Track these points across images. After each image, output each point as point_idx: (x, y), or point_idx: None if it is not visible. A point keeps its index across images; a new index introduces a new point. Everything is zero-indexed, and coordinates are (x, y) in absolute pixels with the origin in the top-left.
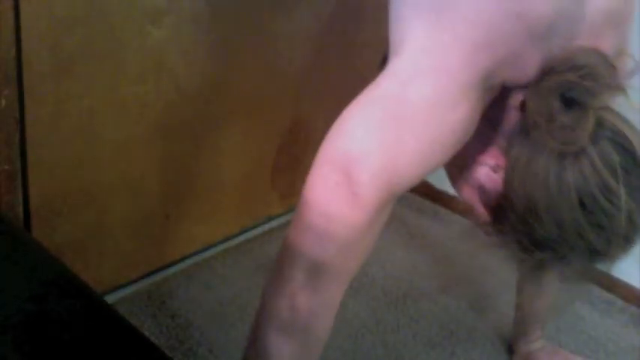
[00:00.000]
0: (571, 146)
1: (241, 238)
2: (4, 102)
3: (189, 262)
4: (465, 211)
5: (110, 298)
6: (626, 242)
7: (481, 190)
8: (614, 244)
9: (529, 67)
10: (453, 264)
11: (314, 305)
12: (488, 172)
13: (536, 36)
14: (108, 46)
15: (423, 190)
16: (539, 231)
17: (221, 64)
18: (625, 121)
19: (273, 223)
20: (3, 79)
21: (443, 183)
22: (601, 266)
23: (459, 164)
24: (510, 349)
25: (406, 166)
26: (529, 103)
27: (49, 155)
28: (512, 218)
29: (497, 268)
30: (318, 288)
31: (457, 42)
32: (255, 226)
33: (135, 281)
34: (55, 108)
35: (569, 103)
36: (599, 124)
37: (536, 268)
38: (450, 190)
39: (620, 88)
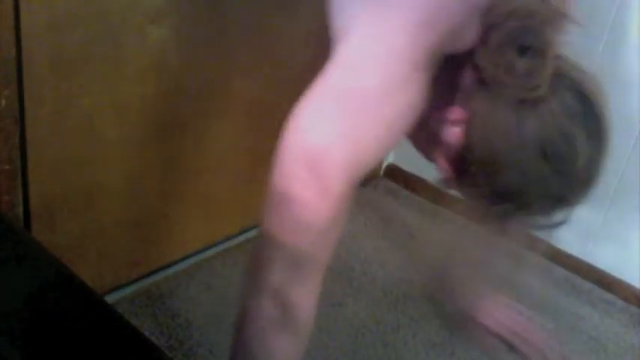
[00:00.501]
0: (531, 93)
1: (241, 238)
2: (4, 102)
3: (189, 262)
4: (466, 211)
5: (110, 298)
6: (587, 187)
7: (443, 145)
8: (576, 190)
9: (474, 35)
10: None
11: (299, 297)
12: (449, 126)
13: (479, 8)
14: (108, 46)
15: (423, 190)
16: (502, 181)
17: (221, 64)
18: (582, 70)
19: None
20: (3, 79)
21: None
22: (563, 213)
23: (420, 128)
24: (449, 299)
25: (367, 152)
26: (483, 60)
27: (49, 155)
28: (475, 171)
29: (497, 268)
30: (301, 279)
31: (402, 24)
32: (255, 226)
33: (135, 281)
34: (55, 108)
35: (524, 49)
36: (557, 74)
37: (502, 219)
38: (451, 190)
39: (564, 25)
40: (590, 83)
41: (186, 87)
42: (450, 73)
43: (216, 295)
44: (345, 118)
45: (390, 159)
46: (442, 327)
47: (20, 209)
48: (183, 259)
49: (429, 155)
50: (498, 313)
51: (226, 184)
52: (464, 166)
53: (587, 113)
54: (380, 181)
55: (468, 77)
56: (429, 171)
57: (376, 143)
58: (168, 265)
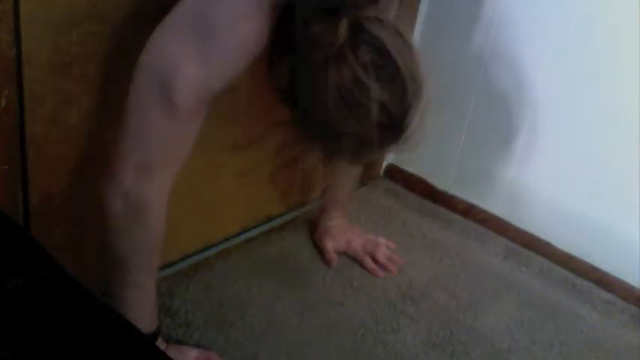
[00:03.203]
0: (327, 50)
1: (241, 238)
2: (4, 102)
3: (189, 262)
4: (466, 211)
5: None
6: (383, 129)
7: (280, 91)
8: (372, 131)
9: None
10: (453, 264)
11: (147, 197)
12: (282, 75)
13: None
14: (108, 46)
15: (423, 190)
16: (314, 121)
17: None
18: (389, 28)
19: (273, 223)
20: (3, 79)
21: (443, 183)
22: (374, 153)
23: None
24: (313, 227)
25: (214, 74)
26: (296, 18)
27: (49, 155)
28: (297, 113)
29: (497, 268)
30: (149, 181)
31: None
32: (255, 226)
33: None
34: (55, 108)
35: (323, 12)
36: (357, 30)
37: (330, 156)
38: (451, 190)
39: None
40: (393, 40)
41: None
42: (289, 28)
43: (216, 295)
44: (195, 42)
45: (390, 159)
46: (442, 327)
47: (20, 209)
48: (183, 259)
49: (278, 98)
50: (347, 235)
51: (226, 184)
52: (292, 109)
53: (384, 66)
54: (380, 181)
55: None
56: (429, 171)
57: (222, 65)
58: (169, 265)
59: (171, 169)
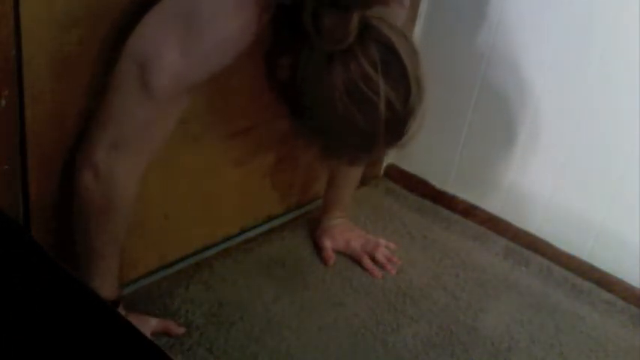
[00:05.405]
0: (337, 45)
1: (241, 238)
2: (4, 102)
3: (189, 262)
4: (466, 211)
5: None
6: (389, 126)
7: (281, 87)
8: (379, 128)
9: None
10: (453, 264)
11: (115, 171)
12: (283, 71)
13: None
14: (108, 46)
15: (423, 190)
16: (317, 118)
17: None
18: (395, 29)
19: (273, 223)
20: (3, 79)
21: (443, 183)
22: (377, 153)
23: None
24: (314, 227)
25: (194, 65)
26: (303, 14)
27: (49, 155)
28: (297, 110)
29: (497, 268)
30: (120, 159)
31: None
32: (255, 226)
33: (135, 281)
34: (55, 108)
35: (334, 6)
36: (366, 28)
37: (329, 155)
38: (451, 190)
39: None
40: (400, 40)
41: None
42: (290, 25)
43: (216, 295)
44: (180, 34)
45: (390, 159)
46: (442, 327)
47: (20, 209)
48: (183, 259)
49: (276, 96)
50: (347, 235)
51: (226, 184)
52: (293, 105)
53: (391, 63)
54: (380, 181)
55: (298, 28)
56: (429, 171)
57: (204, 59)
58: (169, 265)
59: (143, 150)
